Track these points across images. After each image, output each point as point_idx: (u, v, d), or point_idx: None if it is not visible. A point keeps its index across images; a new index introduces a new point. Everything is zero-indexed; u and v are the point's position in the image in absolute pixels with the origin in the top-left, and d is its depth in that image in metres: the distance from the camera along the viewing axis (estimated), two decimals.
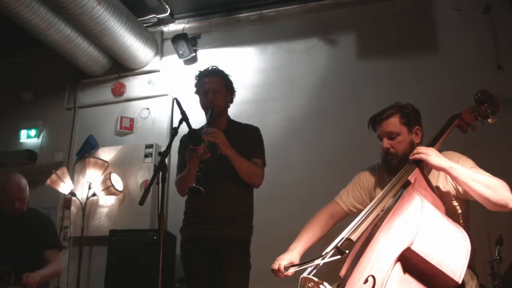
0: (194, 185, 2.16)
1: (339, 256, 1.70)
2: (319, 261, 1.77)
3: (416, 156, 1.89)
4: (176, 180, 2.65)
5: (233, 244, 2.51)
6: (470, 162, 1.95)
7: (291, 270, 1.96)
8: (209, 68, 2.74)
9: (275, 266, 2.01)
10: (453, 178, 1.84)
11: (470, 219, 2.03)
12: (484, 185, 1.76)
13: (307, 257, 1.92)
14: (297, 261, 2.03)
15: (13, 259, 2.68)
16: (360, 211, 2.05)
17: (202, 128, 2.59)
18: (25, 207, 2.94)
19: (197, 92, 2.74)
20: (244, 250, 2.57)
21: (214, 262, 2.50)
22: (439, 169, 1.86)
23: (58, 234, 3.14)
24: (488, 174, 1.84)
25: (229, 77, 2.77)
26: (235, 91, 2.79)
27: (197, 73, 2.77)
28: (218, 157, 2.51)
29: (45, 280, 2.84)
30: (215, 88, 2.64)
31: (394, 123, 2.07)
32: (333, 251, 1.73)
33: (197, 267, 2.52)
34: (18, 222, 2.92)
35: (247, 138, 2.68)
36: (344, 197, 2.25)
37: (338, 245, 1.73)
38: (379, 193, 1.98)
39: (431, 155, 1.86)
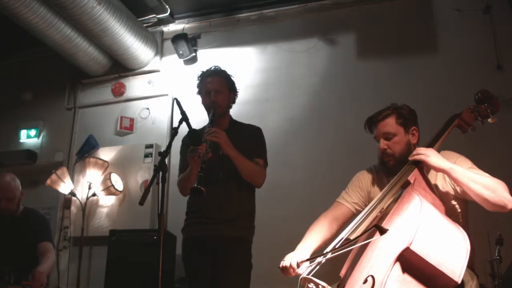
0: (195, 185, 2.16)
1: (376, 237, 1.60)
2: (336, 252, 1.71)
3: (416, 157, 1.89)
4: (178, 180, 2.65)
5: (234, 244, 2.50)
6: (468, 163, 1.95)
7: (303, 266, 1.85)
8: (212, 68, 2.74)
9: (286, 263, 1.90)
10: (453, 179, 1.84)
11: (470, 219, 2.03)
12: (483, 186, 1.76)
13: None
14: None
15: (6, 258, 2.68)
16: (362, 210, 2.03)
17: (203, 128, 2.59)
18: (14, 207, 2.96)
19: (199, 92, 2.73)
20: (245, 250, 2.57)
21: (215, 262, 2.50)
22: (439, 170, 1.86)
23: (51, 231, 3.14)
24: (487, 174, 1.85)
25: (232, 77, 2.76)
26: (237, 92, 2.79)
27: (200, 73, 2.76)
28: (220, 157, 2.51)
29: (48, 273, 2.87)
30: (217, 88, 2.64)
31: (390, 123, 2.06)
32: (370, 229, 1.64)
33: (198, 267, 2.52)
34: (10, 222, 2.93)
35: (249, 138, 2.68)
36: (347, 197, 2.23)
37: (338, 245, 1.73)
38: (378, 194, 1.98)
39: (431, 156, 1.86)
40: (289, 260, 1.91)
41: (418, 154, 1.89)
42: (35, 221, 3.04)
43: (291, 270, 1.89)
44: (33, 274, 2.62)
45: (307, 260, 1.86)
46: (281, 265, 1.93)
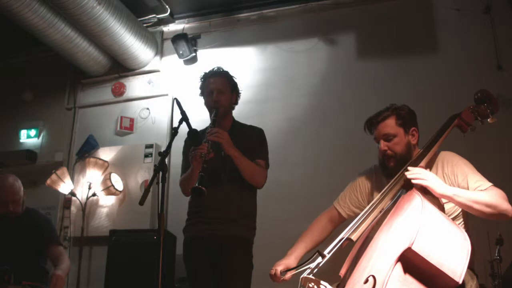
0: (197, 185, 2.16)
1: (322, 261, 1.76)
2: (311, 264, 1.80)
3: (417, 182, 1.82)
4: (180, 180, 2.65)
5: (235, 244, 2.50)
6: (468, 166, 1.96)
7: (288, 275, 1.99)
8: (214, 69, 2.74)
9: (272, 272, 2.04)
10: (456, 203, 1.85)
11: (470, 219, 2.03)
12: (485, 205, 1.78)
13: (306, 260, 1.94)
14: (293, 266, 2.04)
15: (10, 260, 2.66)
16: (358, 215, 2.06)
17: (206, 129, 2.59)
18: (20, 208, 2.91)
19: (202, 93, 2.73)
20: (246, 251, 2.57)
21: (216, 262, 2.50)
22: (441, 196, 1.84)
23: (57, 231, 3.14)
24: (485, 183, 1.87)
25: (234, 78, 2.77)
26: (240, 93, 2.79)
27: (202, 74, 2.76)
28: (222, 158, 2.51)
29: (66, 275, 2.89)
30: (220, 88, 2.64)
31: (390, 124, 2.06)
32: (318, 259, 1.78)
33: (199, 267, 2.52)
34: (13, 223, 2.90)
35: (250, 139, 2.68)
36: (341, 202, 2.26)
37: (338, 245, 1.74)
38: (378, 195, 1.98)
39: (431, 180, 1.81)
40: (274, 269, 2.03)
41: (417, 177, 1.83)
42: (39, 221, 3.01)
43: (276, 279, 2.01)
44: (52, 278, 2.63)
45: (291, 269, 1.98)
46: (269, 273, 2.06)
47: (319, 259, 1.79)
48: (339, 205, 2.26)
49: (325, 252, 1.79)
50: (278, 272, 2.01)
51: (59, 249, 2.98)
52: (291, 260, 2.07)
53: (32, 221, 2.98)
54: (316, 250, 1.81)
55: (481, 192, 1.83)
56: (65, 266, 2.86)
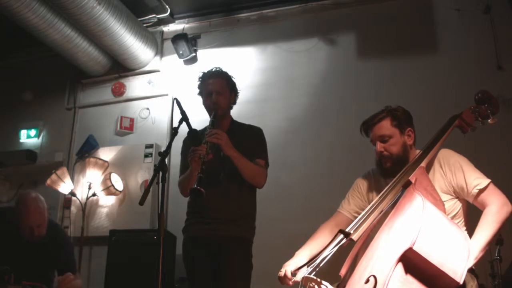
0: (195, 186, 2.17)
1: (345, 240, 1.71)
2: (326, 253, 1.76)
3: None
4: (179, 181, 2.65)
5: (235, 244, 2.50)
6: (465, 164, 1.96)
7: (299, 275, 1.87)
8: (213, 70, 2.74)
9: (282, 273, 1.94)
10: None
11: (470, 219, 2.03)
12: (499, 228, 1.79)
13: None
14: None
15: (20, 273, 2.58)
16: None
17: (205, 129, 2.59)
18: (45, 230, 2.72)
19: (200, 93, 2.74)
20: (246, 250, 2.57)
21: (216, 262, 2.50)
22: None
23: (75, 257, 3.07)
24: (484, 179, 1.88)
25: (233, 78, 2.77)
26: (238, 93, 2.80)
27: (201, 74, 2.77)
28: (221, 158, 2.51)
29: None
30: (218, 89, 2.64)
31: (385, 126, 2.07)
32: (340, 237, 1.73)
33: (199, 267, 2.52)
34: (37, 245, 2.73)
35: (249, 138, 2.68)
36: (345, 205, 2.25)
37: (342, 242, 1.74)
38: (377, 196, 1.98)
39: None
40: (284, 270, 1.94)
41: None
42: (61, 243, 2.89)
43: (287, 280, 1.92)
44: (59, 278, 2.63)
45: (301, 266, 1.89)
46: (278, 275, 1.96)
47: (337, 245, 1.76)
48: (343, 208, 2.25)
49: (326, 252, 1.78)
50: (289, 272, 1.91)
51: (76, 275, 2.92)
52: (301, 260, 1.98)
53: (55, 242, 2.83)
54: (339, 230, 1.77)
55: (490, 224, 1.80)
56: (78, 284, 2.79)
